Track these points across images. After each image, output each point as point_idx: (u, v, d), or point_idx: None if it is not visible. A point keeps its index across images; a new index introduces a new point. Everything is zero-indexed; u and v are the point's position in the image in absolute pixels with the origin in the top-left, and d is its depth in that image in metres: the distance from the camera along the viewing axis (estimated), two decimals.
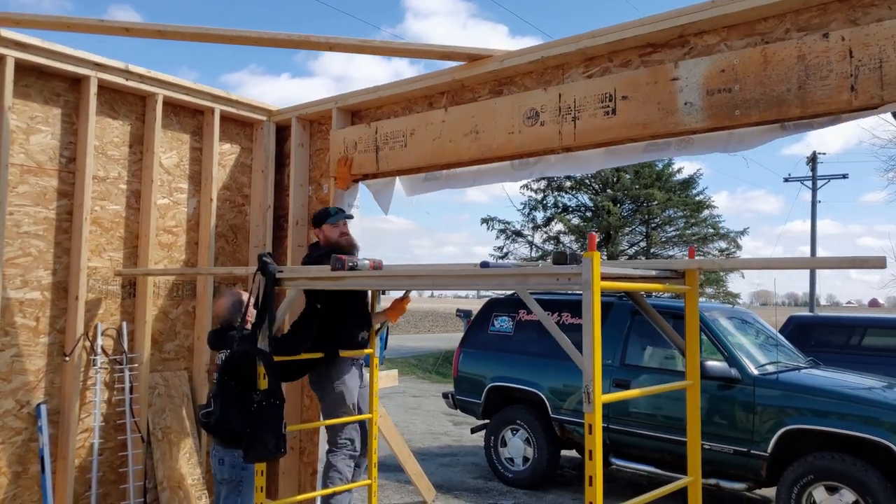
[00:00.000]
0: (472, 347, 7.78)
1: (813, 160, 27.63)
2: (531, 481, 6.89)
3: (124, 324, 4.45)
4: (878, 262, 2.35)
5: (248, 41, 4.22)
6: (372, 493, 4.06)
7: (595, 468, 2.22)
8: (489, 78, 4.00)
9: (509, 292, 7.81)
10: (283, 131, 5.15)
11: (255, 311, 3.41)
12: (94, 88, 4.17)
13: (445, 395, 8.11)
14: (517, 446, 7.07)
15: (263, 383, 3.30)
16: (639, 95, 3.27)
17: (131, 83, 4.36)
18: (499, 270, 2.72)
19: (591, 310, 2.21)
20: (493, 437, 7.27)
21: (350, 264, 3.08)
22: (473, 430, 7.90)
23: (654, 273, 2.67)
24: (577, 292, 2.28)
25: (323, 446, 4.55)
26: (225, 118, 4.91)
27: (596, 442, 2.21)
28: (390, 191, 4.67)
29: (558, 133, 3.57)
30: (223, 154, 4.98)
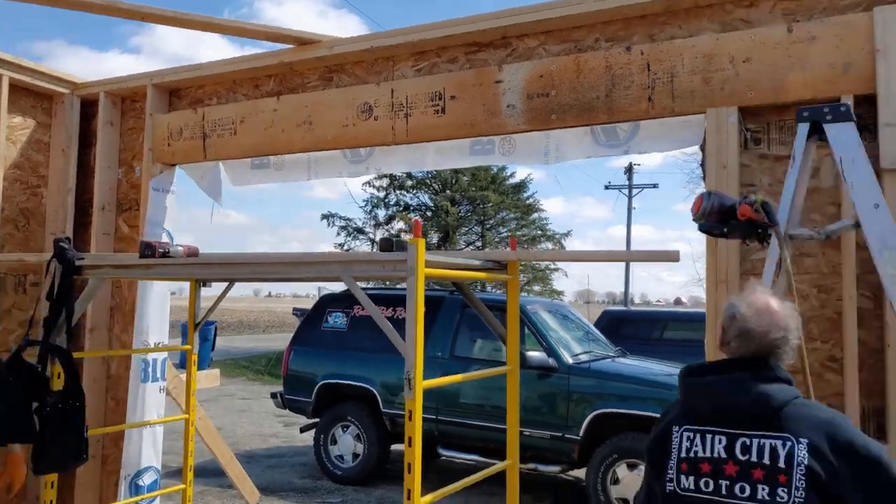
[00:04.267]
0: (304, 345, 7.60)
1: (629, 170, 30.38)
2: (361, 477, 6.86)
3: None
4: (672, 256, 2.60)
5: (53, 2, 3.76)
6: (186, 498, 3.80)
7: (414, 455, 2.23)
8: (319, 64, 3.91)
9: (345, 287, 7.71)
10: (89, 107, 4.65)
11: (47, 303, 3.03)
12: None
13: (274, 395, 7.85)
14: (347, 443, 7.01)
15: (58, 383, 2.94)
16: (466, 96, 3.37)
17: None
18: (323, 256, 2.66)
19: (414, 296, 2.22)
20: (322, 436, 7.15)
21: (161, 250, 2.84)
22: (303, 430, 7.73)
23: (477, 263, 2.74)
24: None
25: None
26: (17, 88, 4.33)
27: (416, 429, 2.22)
28: (215, 176, 4.41)
29: (391, 129, 3.59)
30: (13, 128, 4.39)
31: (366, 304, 2.32)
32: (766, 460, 1.58)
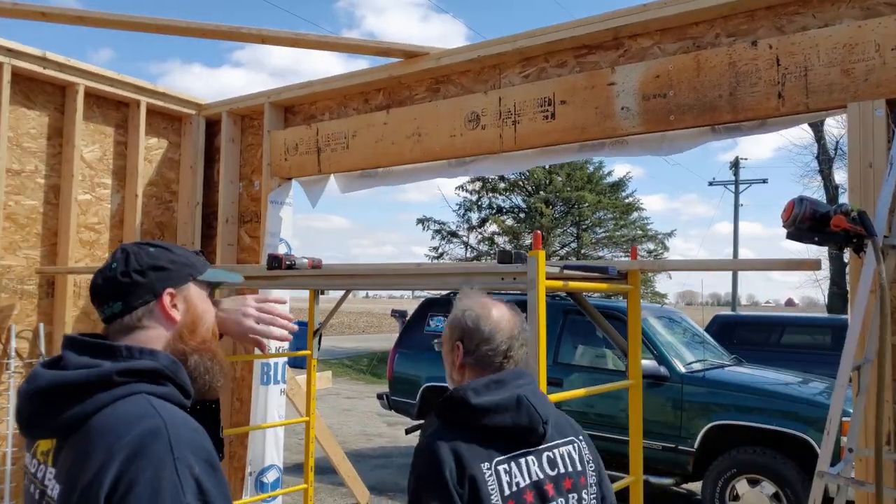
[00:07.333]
0: (408, 348, 7.74)
1: (735, 165, 28.91)
2: None
3: (41, 325, 4.17)
4: (813, 265, 2.45)
5: (175, 31, 4.04)
6: (308, 497, 3.96)
7: None
8: (426, 76, 3.97)
9: (445, 292, 7.81)
10: (212, 126, 4.96)
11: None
12: (7, 76, 3.88)
13: (380, 396, 8.04)
14: None
15: None
16: (577, 100, 3.31)
17: (49, 72, 4.09)
18: (443, 268, 2.69)
19: (536, 309, 2.20)
20: None
21: (287, 262, 2.98)
22: (408, 431, 7.86)
23: (597, 274, 2.69)
24: (512, 292, 2.27)
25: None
26: (151, 111, 4.69)
27: None
28: (322, 186, 4.58)
29: (499, 137, 3.59)
30: (149, 148, 4.75)
31: None
32: (570, 468, 1.54)
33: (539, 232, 2.25)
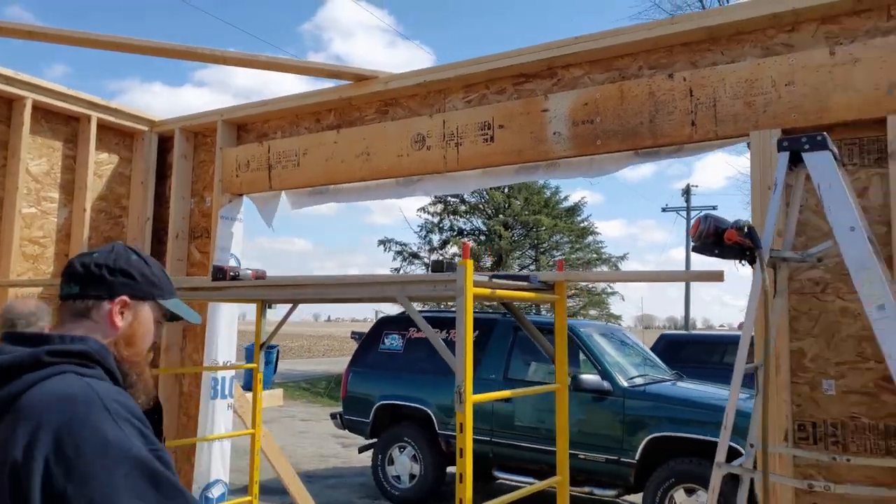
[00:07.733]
0: (362, 367, 7.81)
1: (687, 192, 29.86)
2: (417, 498, 6.96)
3: None
4: (717, 276, 2.67)
5: (131, 49, 4.13)
6: None
7: (465, 466, 2.34)
8: (375, 98, 4.14)
9: (401, 310, 7.92)
10: (165, 142, 5.03)
11: None
12: None
13: (333, 416, 8.06)
14: (404, 464, 7.13)
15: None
16: (514, 125, 3.51)
17: None
18: (380, 278, 2.83)
19: (463, 313, 2.35)
20: (380, 456, 7.30)
21: (231, 274, 3.08)
22: (361, 450, 7.89)
23: (525, 284, 2.86)
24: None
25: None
26: (103, 126, 4.73)
27: (466, 440, 2.33)
28: (275, 203, 4.68)
29: (443, 157, 3.77)
30: (100, 163, 4.79)
31: (419, 322, 2.47)
32: None
33: (467, 242, 2.42)
